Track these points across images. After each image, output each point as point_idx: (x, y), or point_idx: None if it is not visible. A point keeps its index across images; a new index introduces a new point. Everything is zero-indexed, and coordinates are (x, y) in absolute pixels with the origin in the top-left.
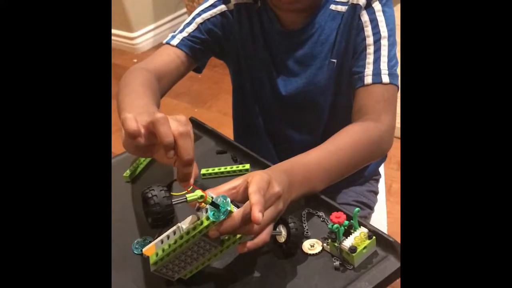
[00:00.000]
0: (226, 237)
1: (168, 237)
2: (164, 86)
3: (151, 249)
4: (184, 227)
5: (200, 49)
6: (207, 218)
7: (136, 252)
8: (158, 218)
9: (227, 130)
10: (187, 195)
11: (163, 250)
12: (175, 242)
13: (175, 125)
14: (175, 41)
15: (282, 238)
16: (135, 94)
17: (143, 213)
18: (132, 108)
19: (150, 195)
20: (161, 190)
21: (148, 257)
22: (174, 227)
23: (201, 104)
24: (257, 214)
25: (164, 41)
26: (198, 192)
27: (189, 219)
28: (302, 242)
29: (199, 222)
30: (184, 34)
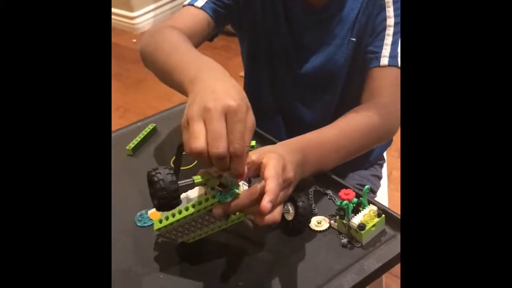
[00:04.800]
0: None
1: None
2: None
3: (157, 214)
4: (191, 197)
5: (223, 13)
6: (213, 197)
7: (139, 225)
8: (164, 203)
9: None
10: (194, 177)
11: (167, 219)
12: (180, 212)
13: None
14: (199, 3)
15: (289, 216)
16: (184, 49)
17: (148, 192)
18: (200, 63)
19: (156, 179)
20: (167, 174)
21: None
22: (181, 196)
23: None
24: (266, 204)
25: (186, 3)
26: (206, 175)
27: (196, 189)
28: (310, 221)
29: (205, 198)
30: None
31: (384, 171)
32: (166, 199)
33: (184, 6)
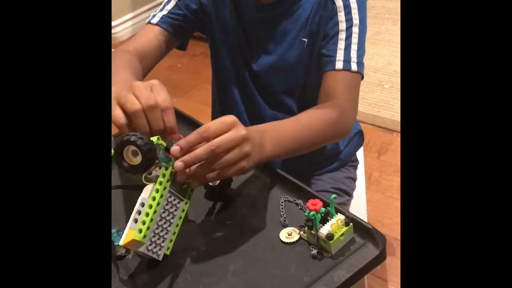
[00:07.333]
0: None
1: (139, 212)
2: (146, 65)
3: (130, 234)
4: (145, 197)
5: (180, 25)
6: (166, 168)
7: None
8: (150, 149)
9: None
10: (151, 138)
11: (144, 223)
12: (151, 205)
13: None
14: (155, 20)
15: (215, 183)
16: (115, 71)
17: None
18: (114, 84)
19: (140, 142)
20: (141, 137)
21: (125, 255)
22: (137, 204)
23: (180, 94)
24: (174, 147)
25: (146, 21)
26: (155, 137)
27: (147, 188)
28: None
29: (162, 174)
30: (164, 12)
31: (361, 173)
32: (149, 146)
33: (146, 24)
